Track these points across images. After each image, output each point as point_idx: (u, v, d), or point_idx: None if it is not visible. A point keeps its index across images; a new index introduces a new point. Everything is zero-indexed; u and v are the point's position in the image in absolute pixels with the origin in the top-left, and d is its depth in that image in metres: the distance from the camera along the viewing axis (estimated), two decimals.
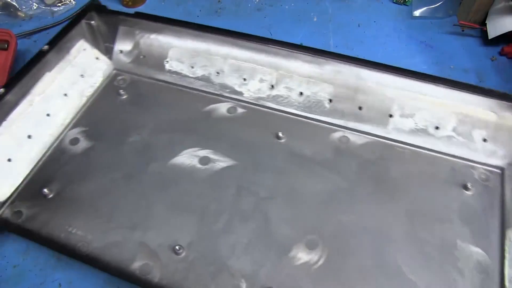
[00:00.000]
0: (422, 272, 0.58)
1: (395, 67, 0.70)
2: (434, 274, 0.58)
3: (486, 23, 0.86)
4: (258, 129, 0.73)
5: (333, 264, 0.59)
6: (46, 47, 0.73)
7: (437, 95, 0.68)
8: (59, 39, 0.75)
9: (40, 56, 0.72)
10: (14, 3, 0.95)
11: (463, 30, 0.90)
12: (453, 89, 0.68)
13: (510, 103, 0.66)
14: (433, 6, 0.94)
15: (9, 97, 0.68)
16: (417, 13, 0.94)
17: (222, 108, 0.76)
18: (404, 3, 0.97)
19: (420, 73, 0.69)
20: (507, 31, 0.82)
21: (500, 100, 0.66)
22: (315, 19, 0.96)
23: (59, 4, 0.97)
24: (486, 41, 0.88)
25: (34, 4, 0.97)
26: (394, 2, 0.98)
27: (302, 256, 0.59)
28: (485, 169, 0.67)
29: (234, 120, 0.74)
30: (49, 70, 0.74)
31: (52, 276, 0.63)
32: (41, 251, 0.65)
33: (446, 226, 0.62)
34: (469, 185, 0.64)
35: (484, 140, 0.67)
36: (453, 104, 0.68)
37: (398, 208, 0.63)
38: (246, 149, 0.70)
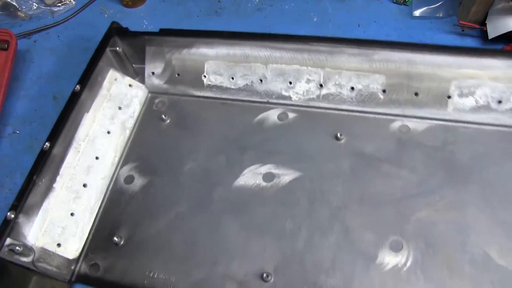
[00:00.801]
0: None
1: (447, 46, 0.67)
2: None
3: (486, 23, 0.84)
4: (314, 132, 0.70)
5: (421, 264, 0.58)
6: (77, 87, 0.69)
7: (496, 68, 0.66)
8: (88, 74, 0.71)
9: (74, 98, 0.68)
10: (14, 3, 0.93)
11: (463, 30, 0.88)
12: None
13: None
14: (433, 6, 0.91)
15: (56, 150, 0.65)
16: (417, 13, 0.91)
17: (272, 116, 0.73)
18: (404, 3, 0.94)
19: (475, 48, 0.66)
20: (507, 31, 0.80)
21: None
22: (315, 19, 0.93)
23: (59, 4, 0.95)
24: (486, 41, 0.85)
25: (34, 4, 0.94)
26: (394, 2, 0.95)
27: (390, 260, 0.59)
28: None
29: (287, 127, 0.72)
30: (87, 110, 0.70)
31: None
32: None
33: None
34: None
35: None
36: None
37: (474, 193, 0.62)
38: (307, 157, 0.68)
